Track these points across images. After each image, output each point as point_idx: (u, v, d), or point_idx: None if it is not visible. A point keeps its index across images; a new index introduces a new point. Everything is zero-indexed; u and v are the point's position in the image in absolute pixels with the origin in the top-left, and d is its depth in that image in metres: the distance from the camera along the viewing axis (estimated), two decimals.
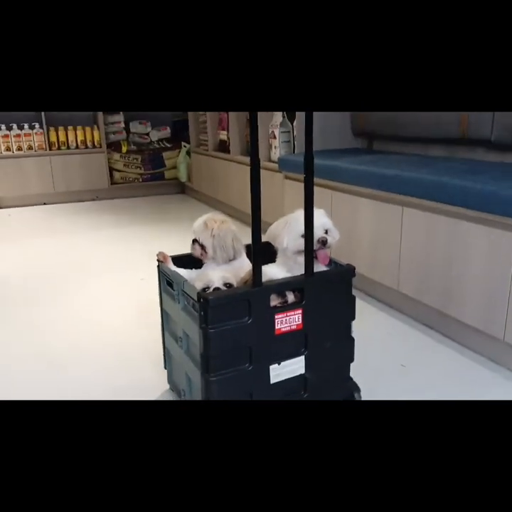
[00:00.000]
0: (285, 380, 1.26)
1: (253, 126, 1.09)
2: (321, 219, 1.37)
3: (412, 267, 1.89)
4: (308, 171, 1.21)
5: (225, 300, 1.14)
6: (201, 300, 1.11)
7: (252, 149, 1.11)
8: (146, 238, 3.29)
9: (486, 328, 1.61)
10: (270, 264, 1.33)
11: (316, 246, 1.34)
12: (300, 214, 1.27)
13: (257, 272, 1.15)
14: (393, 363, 1.66)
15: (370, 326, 1.93)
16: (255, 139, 1.10)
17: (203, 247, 1.40)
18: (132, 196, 4.79)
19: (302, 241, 1.26)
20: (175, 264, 1.41)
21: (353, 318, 1.35)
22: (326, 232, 1.38)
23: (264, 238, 1.44)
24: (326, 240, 1.35)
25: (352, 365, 1.39)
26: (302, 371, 1.28)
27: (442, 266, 1.74)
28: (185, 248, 1.47)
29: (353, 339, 1.36)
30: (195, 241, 1.42)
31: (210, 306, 1.11)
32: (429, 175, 1.78)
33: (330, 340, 1.32)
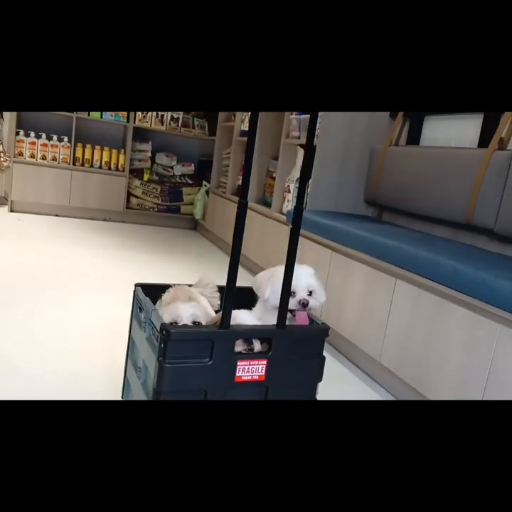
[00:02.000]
0: None
1: (247, 167, 1.11)
2: (307, 279, 1.35)
3: (395, 340, 1.85)
4: (295, 222, 1.21)
5: (187, 336, 1.12)
6: (163, 332, 1.10)
7: (242, 190, 1.12)
8: (147, 266, 3.30)
9: None
10: (244, 310, 1.31)
11: (296, 306, 1.32)
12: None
13: (226, 314, 1.14)
14: None
15: (343, 392, 1.88)
16: (247, 180, 1.12)
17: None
18: (144, 223, 4.85)
19: None
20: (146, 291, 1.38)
21: (320, 379, 1.32)
22: (310, 293, 1.36)
23: (249, 284, 1.44)
24: (307, 303, 1.33)
25: None
26: None
27: (422, 344, 1.71)
28: (181, 281, 1.45)
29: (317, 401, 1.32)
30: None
31: (171, 340, 1.09)
32: (425, 251, 1.77)
33: (292, 397, 1.28)
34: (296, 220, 1.21)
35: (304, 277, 1.34)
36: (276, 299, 1.25)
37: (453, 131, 2.55)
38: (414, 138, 2.78)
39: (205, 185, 4.83)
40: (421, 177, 2.45)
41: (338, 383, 1.92)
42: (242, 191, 1.12)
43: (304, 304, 1.33)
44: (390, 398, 1.89)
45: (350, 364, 2.13)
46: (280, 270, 1.34)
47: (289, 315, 1.27)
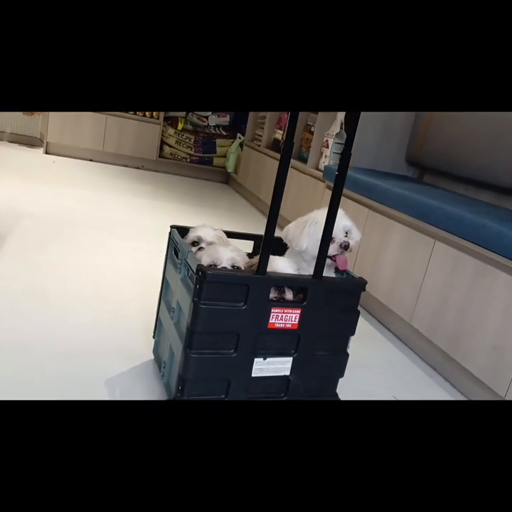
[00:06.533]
0: (267, 376, 1.22)
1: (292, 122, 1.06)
2: (342, 221, 1.34)
3: (429, 303, 1.81)
4: (340, 174, 1.17)
5: (223, 279, 1.11)
6: (199, 273, 1.08)
7: (286, 142, 1.07)
8: (177, 215, 3.29)
9: (490, 382, 1.52)
10: (281, 257, 1.29)
11: (337, 250, 1.31)
12: (321, 216, 1.23)
13: (263, 260, 1.12)
14: (384, 391, 1.59)
15: (373, 352, 1.86)
16: (292, 132, 1.07)
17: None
18: (176, 174, 4.83)
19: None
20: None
21: (353, 333, 1.30)
22: (346, 234, 1.35)
23: (278, 234, 1.41)
24: (349, 245, 1.32)
25: (341, 381, 1.34)
26: (287, 373, 1.24)
27: (457, 307, 1.66)
28: None
29: (347, 354, 1.31)
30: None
31: (207, 281, 1.08)
32: (468, 213, 1.70)
33: (323, 349, 1.27)
34: (341, 173, 1.17)
35: (339, 219, 1.31)
36: (315, 249, 1.22)
37: None
38: None
39: (240, 138, 4.74)
40: (468, 138, 2.34)
41: (367, 343, 1.90)
42: (284, 145, 1.07)
43: (345, 247, 1.32)
44: (417, 360, 1.86)
45: (381, 326, 2.10)
46: (313, 219, 1.32)
47: (329, 261, 1.26)
